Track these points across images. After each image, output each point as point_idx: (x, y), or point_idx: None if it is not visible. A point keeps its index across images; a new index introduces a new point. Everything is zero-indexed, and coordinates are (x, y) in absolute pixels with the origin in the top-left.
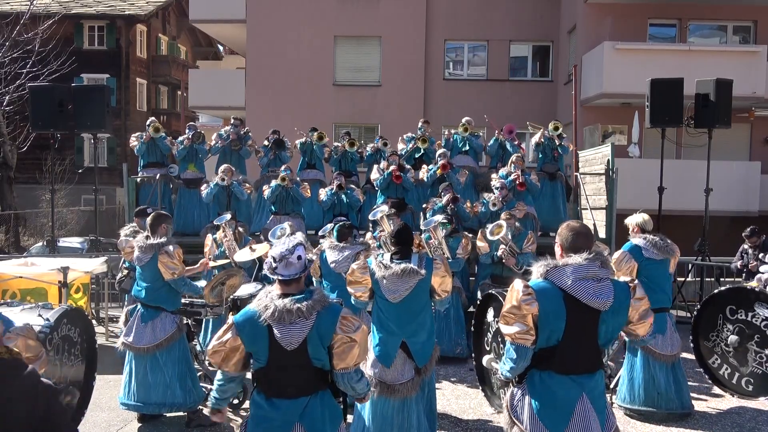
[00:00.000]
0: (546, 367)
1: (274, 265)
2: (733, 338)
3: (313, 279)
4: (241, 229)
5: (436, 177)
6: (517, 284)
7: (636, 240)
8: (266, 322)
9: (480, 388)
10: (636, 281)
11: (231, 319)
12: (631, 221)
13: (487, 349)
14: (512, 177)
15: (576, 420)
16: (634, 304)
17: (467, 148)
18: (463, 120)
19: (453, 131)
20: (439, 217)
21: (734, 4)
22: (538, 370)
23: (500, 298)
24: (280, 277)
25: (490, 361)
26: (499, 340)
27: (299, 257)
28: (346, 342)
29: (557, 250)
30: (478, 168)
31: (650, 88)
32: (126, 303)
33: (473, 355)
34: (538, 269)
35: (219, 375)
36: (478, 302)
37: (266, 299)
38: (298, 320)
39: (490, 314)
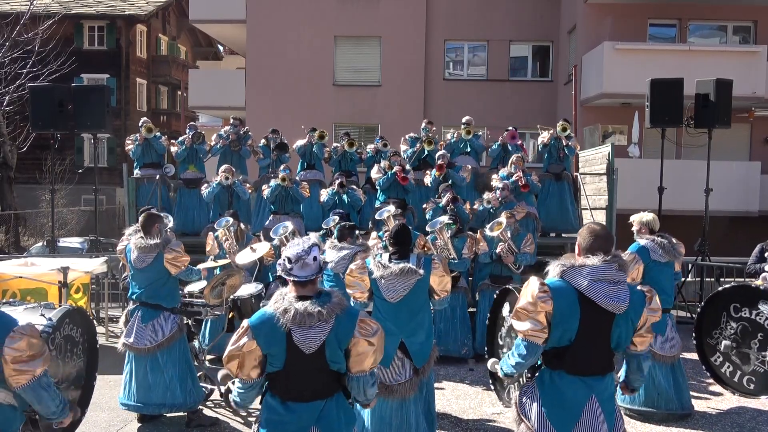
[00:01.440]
0: (557, 366)
1: (288, 266)
2: (740, 327)
3: None
4: (243, 227)
5: (439, 180)
6: (533, 281)
7: (643, 241)
8: (285, 326)
9: (491, 383)
10: (653, 291)
11: (246, 322)
12: (638, 219)
13: (501, 343)
14: (514, 178)
15: (584, 421)
16: (647, 314)
17: (468, 149)
18: (464, 119)
19: (452, 137)
20: (445, 218)
21: (734, 4)
22: (549, 370)
23: (517, 293)
24: (295, 279)
25: (494, 365)
26: (513, 336)
27: (315, 258)
28: (364, 345)
29: (576, 250)
30: (479, 168)
31: (650, 88)
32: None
33: (486, 348)
34: (554, 268)
35: (238, 383)
36: (495, 296)
37: (284, 302)
38: (318, 323)
39: (506, 309)
